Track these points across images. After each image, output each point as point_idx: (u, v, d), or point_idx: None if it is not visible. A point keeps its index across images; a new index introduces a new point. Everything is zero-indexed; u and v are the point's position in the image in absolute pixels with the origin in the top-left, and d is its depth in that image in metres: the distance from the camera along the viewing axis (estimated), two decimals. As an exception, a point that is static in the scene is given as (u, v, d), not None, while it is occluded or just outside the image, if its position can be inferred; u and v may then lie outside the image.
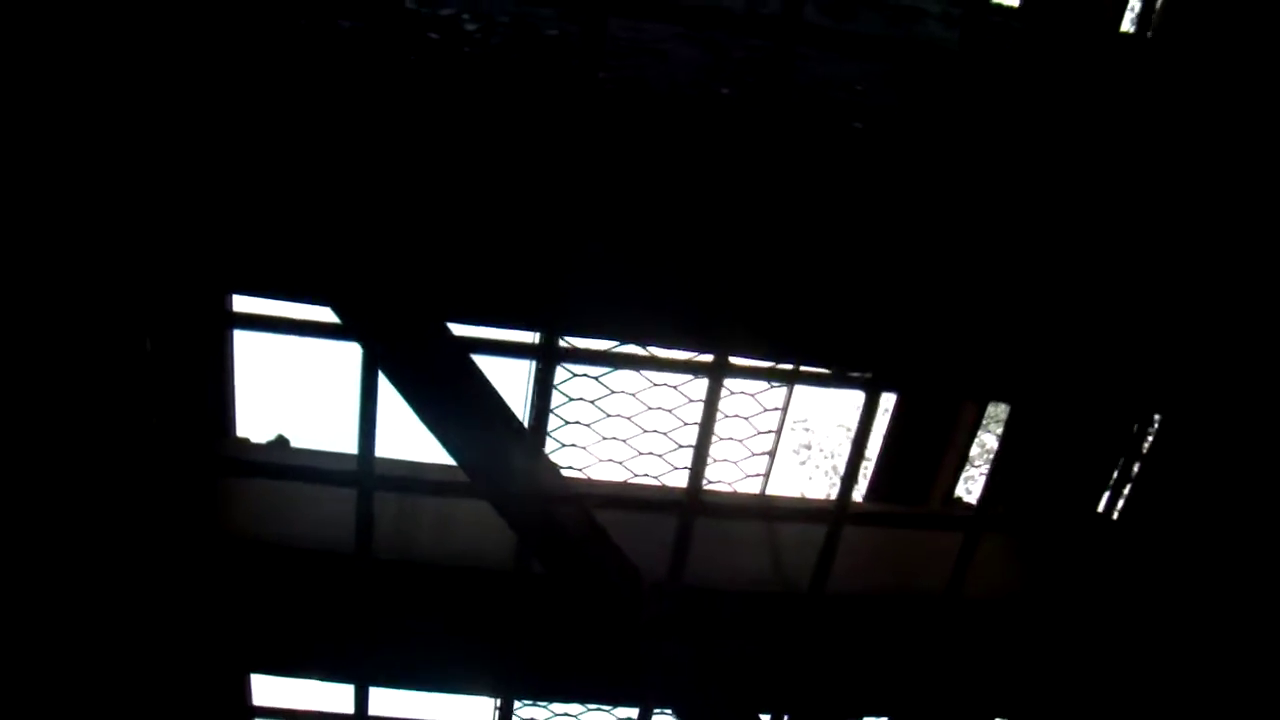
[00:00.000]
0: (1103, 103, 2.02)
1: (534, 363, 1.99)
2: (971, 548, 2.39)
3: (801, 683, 2.83)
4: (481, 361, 2.12)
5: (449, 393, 1.98)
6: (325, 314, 2.00)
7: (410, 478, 2.31)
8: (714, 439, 2.26)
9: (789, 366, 2.92)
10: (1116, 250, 1.90)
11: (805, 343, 1.95)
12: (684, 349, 2.08)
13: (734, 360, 2.59)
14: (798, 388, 3.67)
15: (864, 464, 2.63)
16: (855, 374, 2.32)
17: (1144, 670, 2.92)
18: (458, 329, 2.08)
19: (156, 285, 2.45)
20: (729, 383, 3.16)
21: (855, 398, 2.60)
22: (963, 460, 3.42)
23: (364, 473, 2.08)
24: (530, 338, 2.26)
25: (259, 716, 3.22)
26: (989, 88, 1.96)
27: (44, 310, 2.29)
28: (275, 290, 1.94)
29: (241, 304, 2.67)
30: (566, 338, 1.99)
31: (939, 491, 3.41)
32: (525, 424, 2.07)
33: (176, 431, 2.81)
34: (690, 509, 2.15)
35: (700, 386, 2.57)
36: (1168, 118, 2.01)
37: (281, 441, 2.93)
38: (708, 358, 2.43)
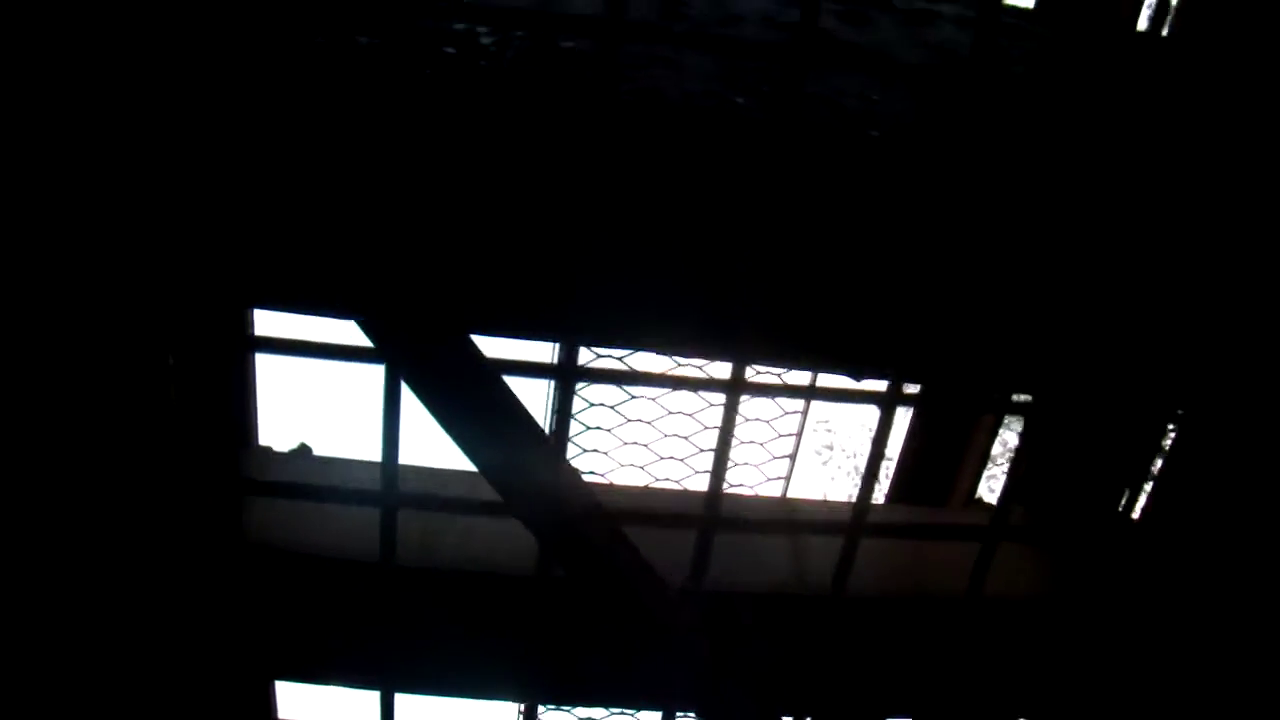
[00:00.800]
0: (1123, 99, 2.01)
1: (553, 381, 2.00)
2: (989, 555, 2.38)
3: (825, 685, 2.83)
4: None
5: (473, 405, 1.99)
6: (344, 336, 2.01)
7: (434, 494, 2.32)
8: (734, 446, 2.26)
9: (806, 383, 2.94)
10: (1138, 245, 1.89)
11: (823, 347, 1.95)
12: (702, 356, 2.09)
13: (751, 379, 2.60)
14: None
15: (885, 463, 2.63)
16: (871, 390, 2.31)
17: (1168, 672, 2.90)
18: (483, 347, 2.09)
19: (178, 300, 2.47)
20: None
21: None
22: (984, 460, 3.41)
23: (387, 492, 2.09)
24: (547, 351, 2.27)
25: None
26: (1005, 88, 1.95)
27: (66, 327, 2.32)
28: (295, 304, 1.95)
29: (262, 326, 2.71)
30: (585, 348, 1.99)
31: (960, 491, 3.40)
32: (547, 431, 2.08)
33: (199, 442, 2.83)
34: (709, 522, 2.16)
35: (721, 395, 2.58)
36: (1195, 112, 2.00)
37: (304, 449, 2.95)
38: (725, 373, 2.44)
